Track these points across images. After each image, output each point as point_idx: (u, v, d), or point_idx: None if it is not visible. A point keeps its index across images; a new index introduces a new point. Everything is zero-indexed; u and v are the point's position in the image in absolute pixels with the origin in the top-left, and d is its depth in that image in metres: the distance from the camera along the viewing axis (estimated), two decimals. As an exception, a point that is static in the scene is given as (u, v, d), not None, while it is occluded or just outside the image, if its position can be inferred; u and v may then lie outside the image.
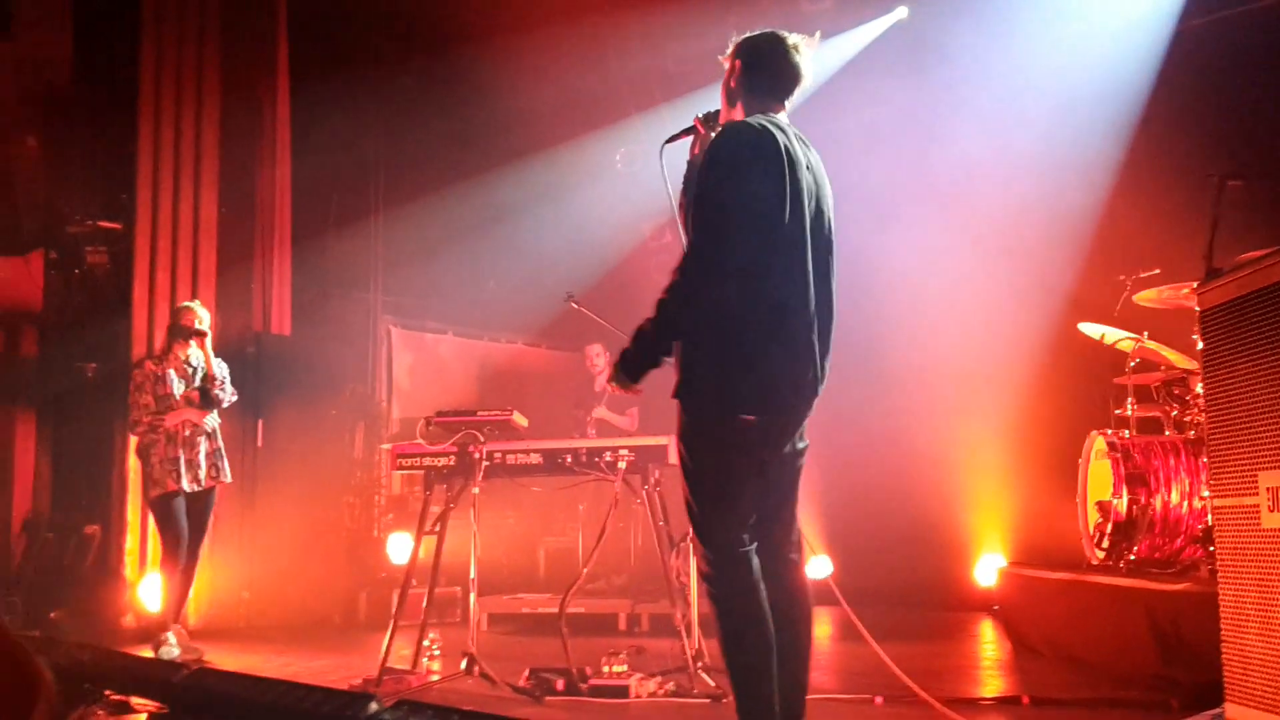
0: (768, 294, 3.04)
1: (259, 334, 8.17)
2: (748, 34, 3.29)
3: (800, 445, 3.26)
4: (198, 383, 6.26)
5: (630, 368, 3.17)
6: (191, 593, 7.06)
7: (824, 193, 3.23)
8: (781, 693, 3.05)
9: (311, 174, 8.74)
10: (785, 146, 3.09)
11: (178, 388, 6.19)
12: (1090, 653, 5.05)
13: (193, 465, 6.15)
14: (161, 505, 6.14)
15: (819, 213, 3.18)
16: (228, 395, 6.30)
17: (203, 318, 6.31)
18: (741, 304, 3.03)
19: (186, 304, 6.48)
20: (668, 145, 3.42)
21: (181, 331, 6.23)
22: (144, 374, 6.19)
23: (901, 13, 8.26)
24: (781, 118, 3.24)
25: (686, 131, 3.47)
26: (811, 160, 3.21)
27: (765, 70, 3.23)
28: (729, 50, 3.31)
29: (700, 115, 3.35)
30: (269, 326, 8.30)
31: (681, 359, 3.13)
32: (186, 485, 6.09)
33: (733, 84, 3.28)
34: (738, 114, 3.27)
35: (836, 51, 8.31)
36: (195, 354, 6.30)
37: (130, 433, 6.42)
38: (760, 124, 3.14)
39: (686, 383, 3.10)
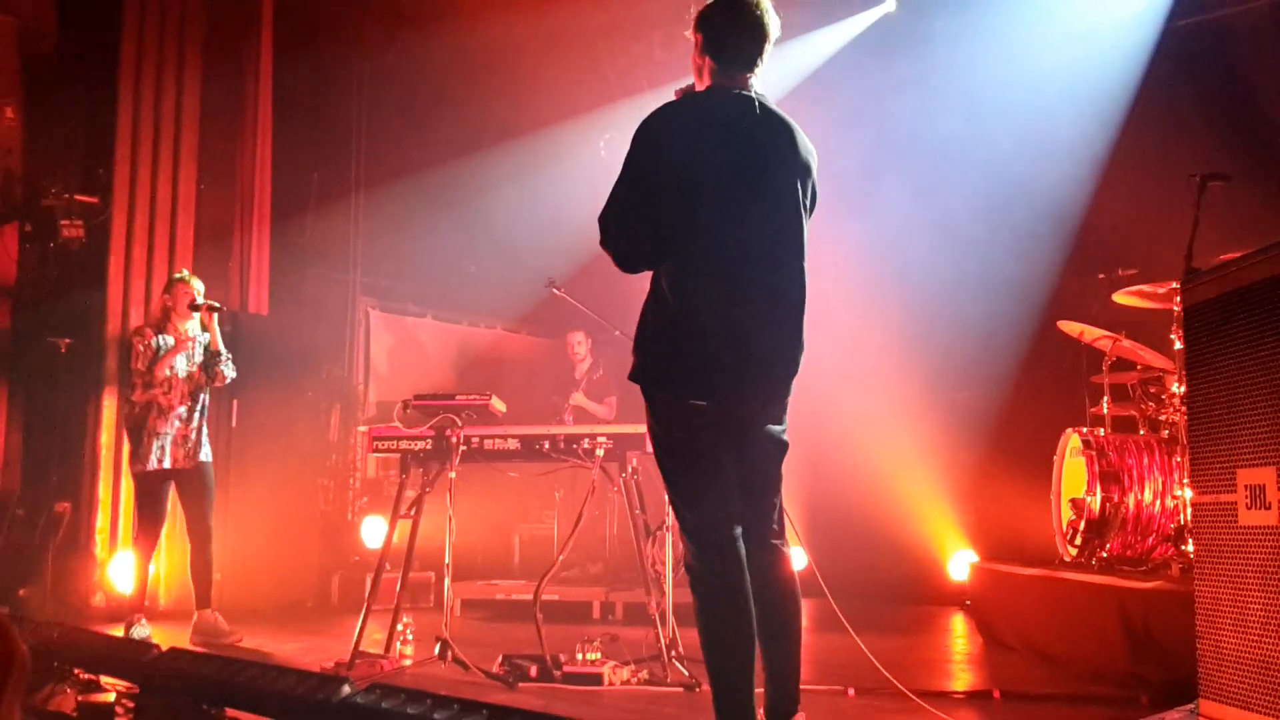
0: (702, 277, 2.97)
1: (236, 313, 8.07)
2: (708, 3, 3.19)
3: (778, 430, 3.17)
4: (199, 356, 6.19)
5: None
6: (163, 572, 7.04)
7: (791, 169, 3.10)
8: (775, 679, 3.03)
9: (292, 152, 8.66)
10: (716, 119, 3.03)
11: (180, 361, 6.11)
12: (1061, 648, 5.08)
13: (185, 442, 6.06)
14: (146, 482, 6.04)
15: (779, 189, 3.07)
16: (230, 371, 6.20)
17: (200, 290, 6.20)
18: (677, 285, 2.99)
19: (181, 276, 6.32)
20: None
21: (196, 306, 6.11)
22: (144, 342, 6.04)
23: (890, 5, 8.28)
24: (753, 84, 3.14)
25: None
26: (776, 134, 3.11)
27: (722, 41, 3.14)
28: (692, 24, 3.22)
29: (681, 88, 3.30)
30: (246, 305, 8.21)
31: (634, 341, 3.11)
32: (169, 463, 5.99)
33: (696, 58, 3.20)
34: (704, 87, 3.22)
35: (825, 43, 8.31)
36: (194, 326, 6.20)
37: (128, 399, 6.25)
38: (691, 100, 3.12)
39: (636, 366, 3.09)
